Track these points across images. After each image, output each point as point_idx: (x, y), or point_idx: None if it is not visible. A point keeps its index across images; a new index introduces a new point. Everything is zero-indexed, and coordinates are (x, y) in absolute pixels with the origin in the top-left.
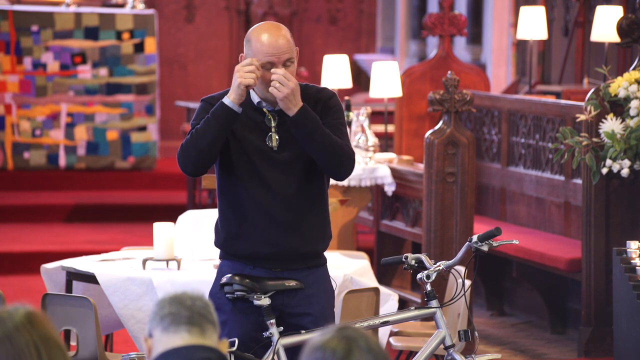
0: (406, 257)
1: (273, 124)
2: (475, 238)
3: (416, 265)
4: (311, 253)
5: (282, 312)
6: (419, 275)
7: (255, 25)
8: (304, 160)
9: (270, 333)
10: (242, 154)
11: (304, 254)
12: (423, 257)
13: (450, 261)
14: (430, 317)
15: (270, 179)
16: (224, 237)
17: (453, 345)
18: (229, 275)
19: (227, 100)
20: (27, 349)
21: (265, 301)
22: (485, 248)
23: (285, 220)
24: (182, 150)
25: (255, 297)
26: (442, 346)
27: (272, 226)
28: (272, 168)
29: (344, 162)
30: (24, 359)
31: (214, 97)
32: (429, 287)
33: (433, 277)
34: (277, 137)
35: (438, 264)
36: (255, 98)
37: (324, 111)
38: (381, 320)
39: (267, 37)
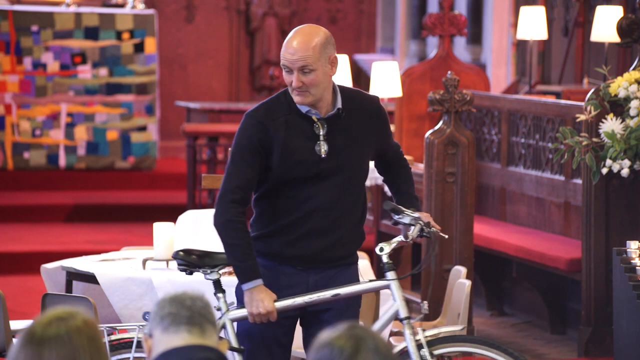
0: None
1: (322, 132)
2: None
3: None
4: (341, 256)
5: (305, 309)
6: (376, 248)
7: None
8: (350, 168)
9: (219, 307)
10: (291, 160)
11: (330, 259)
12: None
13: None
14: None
15: (312, 186)
16: (257, 235)
17: (409, 318)
18: (175, 251)
19: (246, 284)
20: (83, 350)
21: (214, 275)
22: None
23: (320, 226)
24: (218, 211)
25: (203, 272)
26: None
27: (306, 231)
28: (317, 175)
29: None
30: (77, 358)
31: (259, 112)
32: (384, 259)
33: (387, 250)
34: (326, 145)
35: (395, 239)
36: (303, 107)
37: (377, 122)
38: (332, 293)
39: (289, 40)
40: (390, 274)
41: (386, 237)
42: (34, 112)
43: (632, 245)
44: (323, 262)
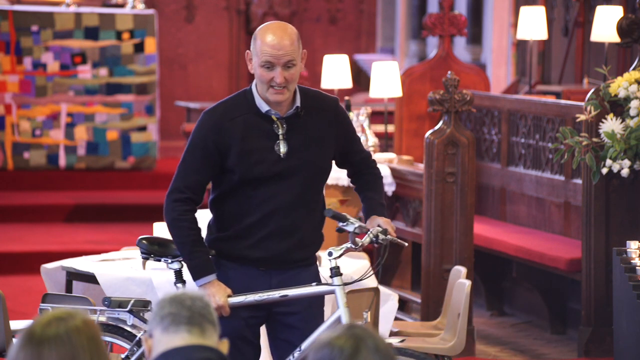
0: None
1: (281, 131)
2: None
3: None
4: (303, 258)
5: (270, 311)
6: (327, 251)
7: (264, 24)
8: (310, 167)
9: None
10: (249, 160)
11: (293, 260)
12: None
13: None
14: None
15: (272, 186)
16: (216, 237)
17: None
18: (139, 238)
19: (198, 281)
20: (82, 349)
21: (175, 265)
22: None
23: (282, 227)
24: (165, 209)
25: (164, 261)
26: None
27: (268, 232)
28: (277, 175)
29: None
30: (77, 358)
31: (216, 112)
32: (332, 264)
33: (335, 255)
34: (285, 144)
35: (343, 246)
36: (263, 106)
37: (336, 123)
38: (281, 294)
39: (270, 36)
40: (337, 280)
41: None
42: (34, 112)
43: (632, 245)
44: (285, 263)
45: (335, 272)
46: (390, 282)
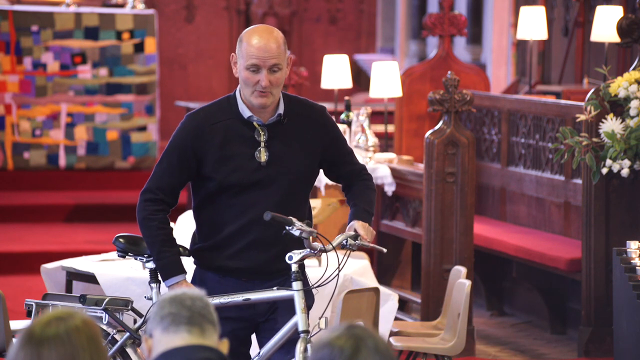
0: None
1: (263, 139)
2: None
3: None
4: (286, 268)
5: (256, 321)
6: (287, 255)
7: (250, 27)
8: (291, 177)
9: (150, 297)
10: (227, 167)
11: (276, 270)
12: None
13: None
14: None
15: (252, 195)
16: (198, 247)
17: (306, 332)
18: (116, 236)
19: (167, 281)
20: (82, 349)
21: (150, 264)
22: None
23: (263, 237)
24: (137, 208)
25: (140, 259)
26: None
27: (249, 242)
28: (257, 183)
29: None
30: (77, 358)
31: (198, 116)
32: (293, 268)
33: (295, 259)
34: (266, 152)
35: (302, 251)
36: (245, 112)
37: (323, 132)
38: (243, 297)
39: (257, 39)
40: (296, 285)
41: (386, 237)
42: (34, 112)
43: (632, 245)
44: (267, 274)
45: (296, 276)
46: (390, 282)
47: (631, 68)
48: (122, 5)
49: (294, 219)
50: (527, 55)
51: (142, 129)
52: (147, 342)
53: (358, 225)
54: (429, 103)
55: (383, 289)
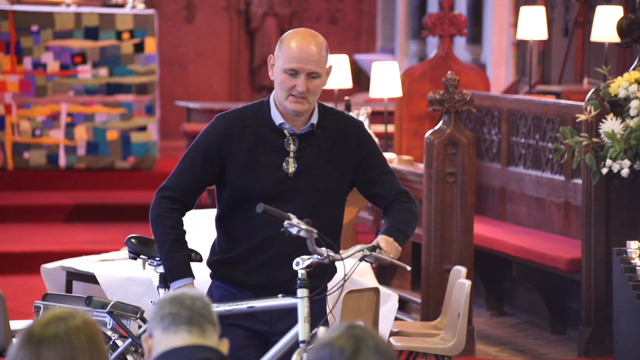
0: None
1: (292, 148)
2: (366, 250)
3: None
4: (312, 288)
5: (267, 340)
6: (294, 262)
7: (293, 29)
8: (318, 192)
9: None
10: (252, 174)
11: (294, 289)
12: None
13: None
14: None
15: (279, 207)
16: (217, 259)
17: (305, 342)
18: (128, 237)
19: (173, 283)
20: (82, 350)
21: (160, 268)
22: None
23: (284, 253)
24: (151, 205)
25: (150, 263)
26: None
27: (269, 257)
28: (281, 195)
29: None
30: (76, 358)
31: (228, 117)
32: (299, 275)
33: (302, 265)
34: (295, 163)
35: (310, 258)
36: (277, 118)
37: (358, 147)
38: (247, 305)
39: (298, 42)
40: (301, 292)
41: None
42: (34, 112)
43: (632, 245)
44: (286, 291)
45: (302, 283)
46: (390, 282)
47: (631, 68)
48: (122, 5)
49: (292, 215)
50: (527, 55)
51: (142, 129)
52: (147, 342)
53: (381, 238)
54: (429, 103)
55: (383, 289)
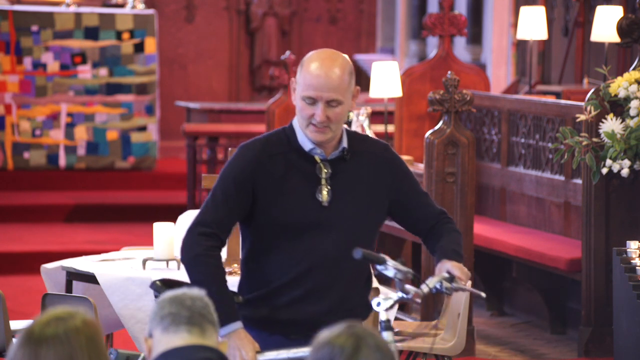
0: (385, 261)
1: (324, 175)
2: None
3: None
4: (335, 320)
5: None
6: (372, 301)
7: (315, 51)
8: (354, 220)
9: None
10: (285, 205)
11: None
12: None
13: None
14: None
15: (310, 239)
16: (246, 300)
17: None
18: (152, 281)
19: (222, 330)
20: (80, 350)
21: None
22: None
23: (319, 286)
24: (187, 244)
25: None
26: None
27: (303, 292)
28: (316, 226)
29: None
30: (75, 358)
31: (254, 146)
32: (382, 317)
33: (385, 306)
34: (328, 191)
35: (398, 294)
36: (306, 144)
37: (388, 170)
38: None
39: (316, 67)
40: (386, 335)
41: (386, 237)
42: (34, 112)
43: (632, 245)
44: (318, 328)
45: (386, 325)
46: (390, 282)
47: (631, 68)
48: (122, 5)
49: (386, 257)
50: (527, 55)
51: (142, 129)
52: (147, 342)
53: (451, 265)
54: (429, 103)
55: (383, 289)
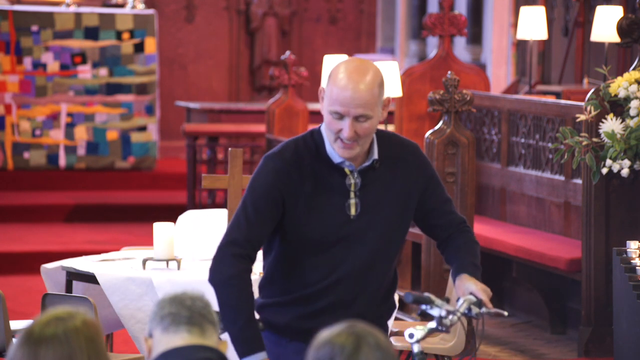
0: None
1: (353, 188)
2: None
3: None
4: None
5: None
6: (405, 332)
7: (343, 62)
8: (383, 231)
9: None
10: (314, 218)
11: None
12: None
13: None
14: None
15: (339, 252)
16: (264, 302)
17: None
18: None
19: (247, 358)
20: (80, 350)
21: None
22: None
23: (343, 298)
24: (218, 264)
25: None
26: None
27: (327, 303)
28: (345, 239)
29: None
30: (74, 358)
31: (282, 156)
32: (415, 349)
33: (418, 337)
34: (357, 203)
35: (431, 326)
36: (334, 155)
37: (418, 175)
38: None
39: (344, 81)
40: None
41: None
42: (34, 112)
43: (632, 245)
44: None
45: (420, 357)
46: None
47: (631, 68)
48: (122, 5)
49: (432, 296)
50: (527, 55)
51: (142, 129)
52: (147, 342)
53: (475, 287)
54: (429, 103)
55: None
